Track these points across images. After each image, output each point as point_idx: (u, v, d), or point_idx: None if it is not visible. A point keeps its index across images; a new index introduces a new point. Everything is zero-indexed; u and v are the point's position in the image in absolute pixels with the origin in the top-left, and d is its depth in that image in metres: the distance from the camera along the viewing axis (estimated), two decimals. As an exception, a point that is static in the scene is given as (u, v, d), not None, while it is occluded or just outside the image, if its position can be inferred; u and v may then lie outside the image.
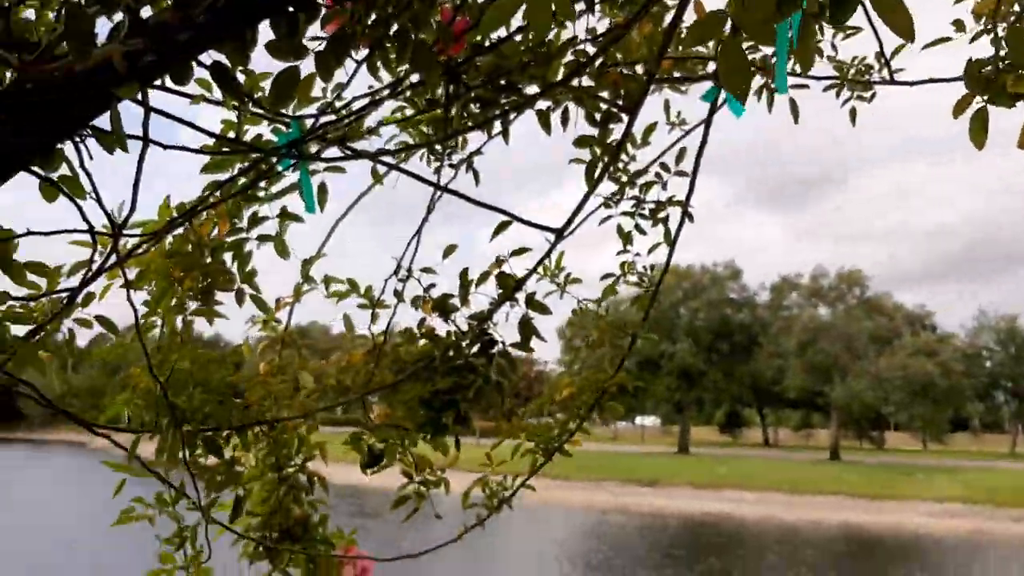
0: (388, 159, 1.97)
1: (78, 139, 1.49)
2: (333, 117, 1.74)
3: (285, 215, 2.11)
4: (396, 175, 2.17)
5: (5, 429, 73.63)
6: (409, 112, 2.00)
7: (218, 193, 1.87)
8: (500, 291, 2.03)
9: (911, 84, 2.42)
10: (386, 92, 1.78)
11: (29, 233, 1.55)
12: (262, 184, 2.03)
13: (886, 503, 40.01)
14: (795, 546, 30.80)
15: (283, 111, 1.66)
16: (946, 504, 38.71)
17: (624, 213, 2.33)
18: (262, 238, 2.11)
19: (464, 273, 2.02)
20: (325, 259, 2.39)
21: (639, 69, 1.97)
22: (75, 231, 1.59)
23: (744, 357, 65.95)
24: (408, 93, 1.94)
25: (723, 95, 2.02)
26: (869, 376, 61.49)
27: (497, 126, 2.10)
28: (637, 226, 2.33)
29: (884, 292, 68.10)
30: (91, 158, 1.46)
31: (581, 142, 2.07)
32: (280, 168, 1.82)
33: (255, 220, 2.10)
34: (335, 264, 2.43)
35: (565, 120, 2.06)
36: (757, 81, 2.38)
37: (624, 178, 2.26)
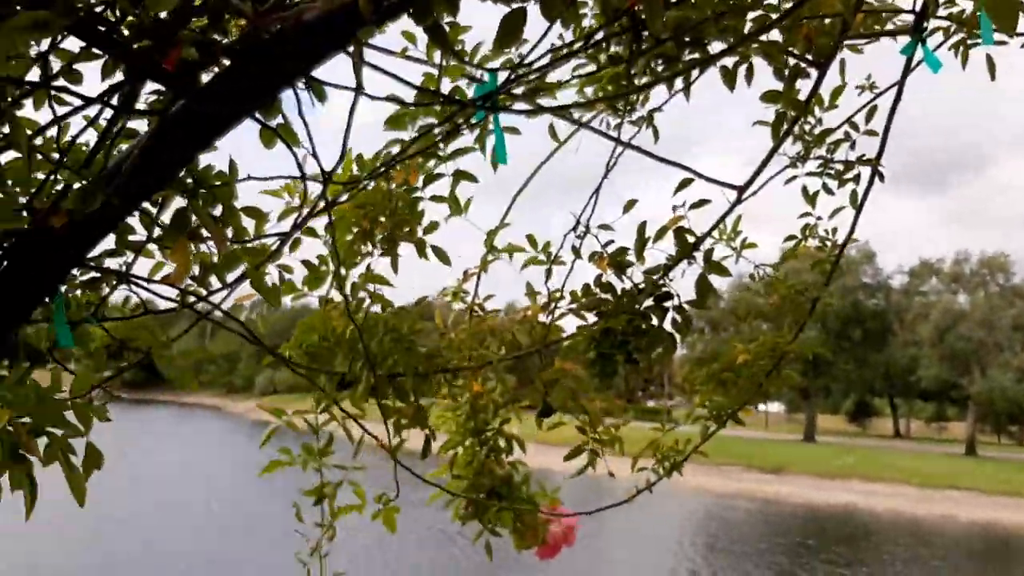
0: (569, 116, 1.99)
1: (296, 88, 1.57)
2: (523, 72, 1.78)
3: (460, 175, 2.17)
4: (575, 141, 2.20)
5: (151, 392, 78.43)
6: (591, 69, 2.02)
7: (405, 148, 1.93)
8: (677, 247, 2.03)
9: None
10: (575, 47, 1.80)
11: (249, 178, 1.65)
12: (439, 145, 2.09)
13: (1025, 501, 37.97)
14: (925, 541, 29.61)
15: (479, 64, 1.70)
16: (1095, 504, 36.54)
17: (810, 174, 2.29)
18: (436, 198, 2.18)
19: (641, 228, 2.03)
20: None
21: (829, 23, 1.92)
22: (290, 177, 1.68)
23: (876, 345, 63.40)
24: (591, 49, 1.95)
25: (919, 52, 1.94)
26: (1012, 368, 58.22)
27: (678, 83, 2.09)
28: (825, 186, 2.28)
29: (1034, 278, 64.07)
30: (312, 105, 1.54)
31: (769, 97, 2.04)
32: (474, 120, 1.87)
33: (430, 178, 2.16)
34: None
35: (750, 76, 2.03)
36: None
37: (810, 138, 2.21)
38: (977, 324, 59.71)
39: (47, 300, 1.52)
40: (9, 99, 1.26)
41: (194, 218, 1.52)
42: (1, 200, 1.39)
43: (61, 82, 1.32)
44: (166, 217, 1.59)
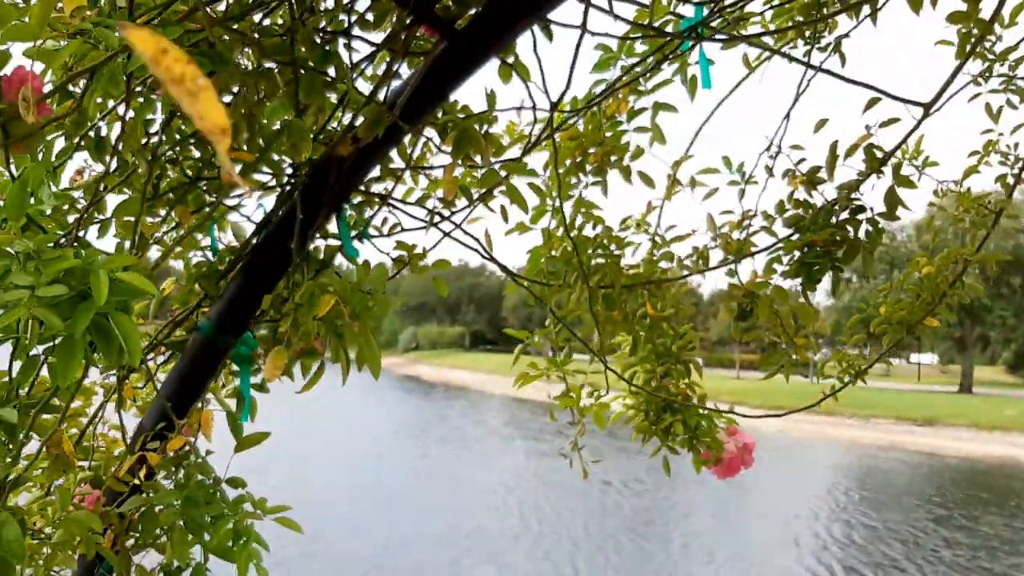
0: (764, 44, 2.16)
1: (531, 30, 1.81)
2: (724, 5, 1.96)
3: (659, 106, 2.37)
4: (761, 70, 2.36)
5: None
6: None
7: (623, 77, 2.16)
8: (867, 163, 2.18)
9: None
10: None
11: (491, 111, 1.91)
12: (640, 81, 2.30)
13: None
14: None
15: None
16: None
17: (992, 91, 2.36)
18: (640, 129, 2.39)
19: (833, 146, 2.18)
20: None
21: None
22: (521, 108, 1.93)
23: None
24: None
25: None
26: None
27: (865, 9, 2.21)
28: (1008, 101, 2.36)
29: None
30: (549, 41, 1.78)
31: (954, 18, 2.14)
32: (681, 50, 2.07)
33: (632, 113, 2.37)
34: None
35: (935, -1, 2.13)
36: None
37: (992, 55, 2.29)
38: None
39: (333, 218, 1.83)
40: (327, 48, 1.55)
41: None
42: (300, 131, 1.69)
43: (356, 31, 1.61)
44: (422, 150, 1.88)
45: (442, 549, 15.74)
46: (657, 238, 2.70)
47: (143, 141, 1.48)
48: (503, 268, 2.18)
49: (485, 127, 1.84)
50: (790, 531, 19.68)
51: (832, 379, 2.67)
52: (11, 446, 1.37)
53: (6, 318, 1.17)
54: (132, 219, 1.57)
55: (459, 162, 1.81)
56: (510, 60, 1.87)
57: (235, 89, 1.44)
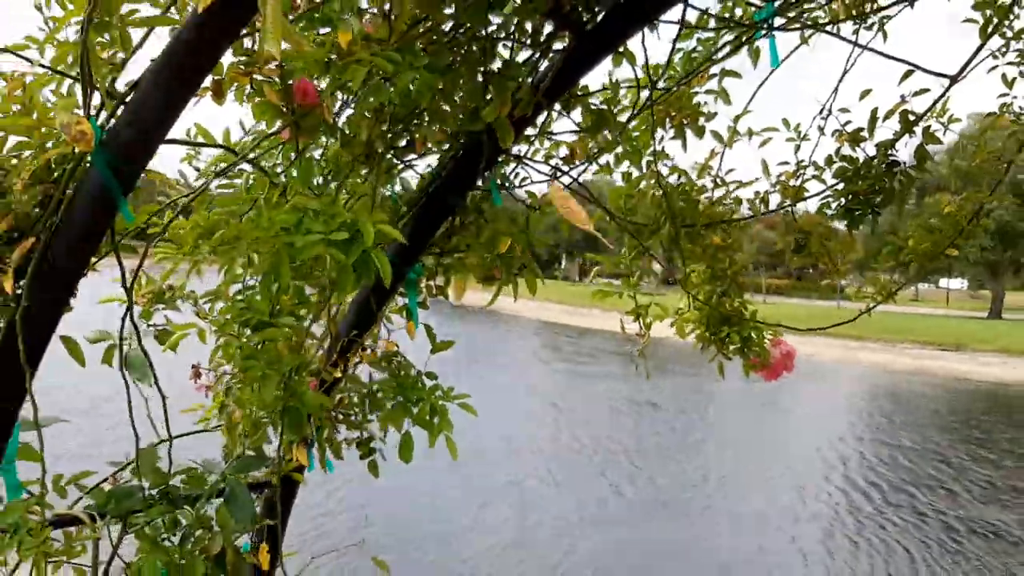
0: (824, 29, 2.65)
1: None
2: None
3: (726, 73, 2.87)
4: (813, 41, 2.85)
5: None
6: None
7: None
8: (901, 125, 2.69)
9: None
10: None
11: (615, 93, 2.44)
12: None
13: None
14: None
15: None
16: None
17: (1009, 63, 2.83)
18: (709, 91, 2.90)
19: (874, 111, 2.69)
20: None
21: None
22: (630, 86, 2.46)
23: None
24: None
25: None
26: None
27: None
28: (1022, 72, 2.82)
29: None
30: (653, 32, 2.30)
31: (979, 5, 2.61)
32: (755, 37, 2.57)
33: (704, 80, 2.89)
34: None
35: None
36: None
37: (1010, 31, 2.75)
38: None
39: (485, 174, 2.39)
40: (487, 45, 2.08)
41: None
42: (460, 107, 2.23)
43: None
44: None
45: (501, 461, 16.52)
46: (719, 181, 3.23)
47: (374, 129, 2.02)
48: (607, 211, 2.73)
49: (606, 105, 2.37)
50: (835, 453, 20.35)
51: (864, 303, 3.20)
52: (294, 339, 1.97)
53: (306, 252, 1.75)
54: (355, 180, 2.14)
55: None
56: (620, 49, 2.39)
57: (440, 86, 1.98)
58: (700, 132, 2.83)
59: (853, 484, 17.26)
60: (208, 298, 2.07)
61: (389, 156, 2.26)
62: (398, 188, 2.52)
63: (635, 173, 2.98)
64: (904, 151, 2.71)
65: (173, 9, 1.55)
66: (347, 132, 2.02)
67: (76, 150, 1.57)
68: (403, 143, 2.18)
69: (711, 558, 12.63)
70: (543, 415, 22.33)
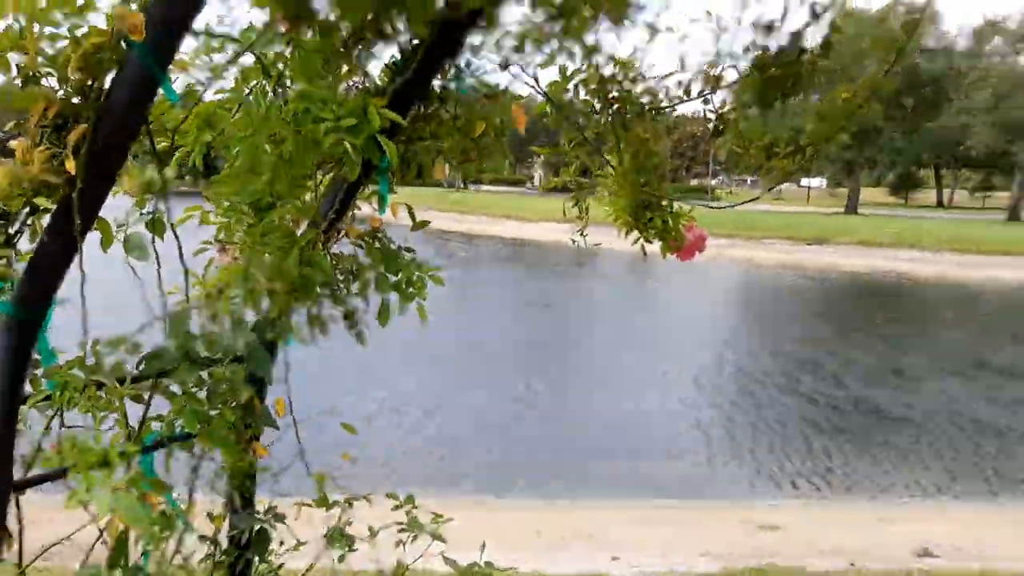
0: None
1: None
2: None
3: None
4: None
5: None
6: None
7: None
8: (810, 16, 3.03)
9: None
10: None
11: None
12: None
13: (1071, 261, 39.00)
14: (966, 303, 31.11)
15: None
16: None
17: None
18: None
19: (786, 2, 3.02)
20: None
21: None
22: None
23: (929, 113, 62.25)
24: None
25: None
26: (1065, 133, 57.60)
27: None
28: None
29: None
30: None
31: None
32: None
33: None
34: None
35: None
36: None
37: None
38: (1032, 89, 58.55)
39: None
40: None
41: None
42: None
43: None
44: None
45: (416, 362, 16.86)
46: (641, 75, 3.51)
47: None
48: (549, 100, 2.97)
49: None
50: (724, 343, 21.60)
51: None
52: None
53: (326, 141, 1.95)
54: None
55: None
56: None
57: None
58: (625, 21, 3.09)
59: (746, 372, 18.47)
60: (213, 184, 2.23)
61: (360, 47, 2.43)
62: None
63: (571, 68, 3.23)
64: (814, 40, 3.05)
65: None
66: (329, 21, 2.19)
67: (114, 38, 1.70)
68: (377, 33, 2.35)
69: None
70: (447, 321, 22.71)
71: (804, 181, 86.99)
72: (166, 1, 1.64)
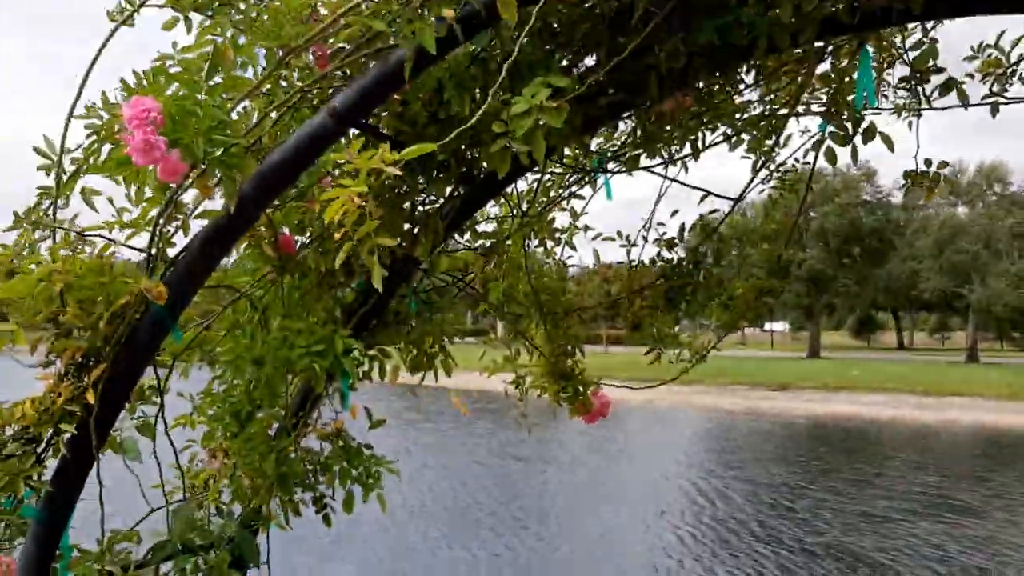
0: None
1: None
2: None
3: (573, 195, 3.77)
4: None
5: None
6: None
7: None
8: (702, 233, 3.65)
9: None
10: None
11: (491, 219, 3.25)
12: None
13: (1025, 403, 39.80)
14: (928, 445, 31.64)
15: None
16: (1092, 402, 38.38)
17: (772, 187, 3.82)
18: (562, 210, 3.79)
19: (681, 228, 3.65)
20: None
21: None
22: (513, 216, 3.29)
23: (876, 260, 64.78)
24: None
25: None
26: (1010, 276, 59.88)
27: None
28: (781, 195, 3.83)
29: (1030, 186, 65.17)
30: None
31: (749, 150, 3.60)
32: (595, 176, 3.46)
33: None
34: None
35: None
36: None
37: (772, 166, 3.76)
38: (975, 235, 61.32)
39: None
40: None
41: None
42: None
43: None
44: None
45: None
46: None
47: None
48: (488, 304, 3.54)
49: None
50: (693, 487, 21.81)
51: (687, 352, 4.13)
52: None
53: (299, 364, 2.45)
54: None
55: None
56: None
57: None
58: (556, 241, 3.70)
59: (714, 516, 18.68)
60: (200, 395, 2.72)
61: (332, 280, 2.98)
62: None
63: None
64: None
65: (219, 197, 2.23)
66: (308, 265, 2.75)
67: (135, 299, 2.23)
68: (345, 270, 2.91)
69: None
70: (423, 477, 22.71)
71: (768, 325, 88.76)
72: (183, 280, 2.18)
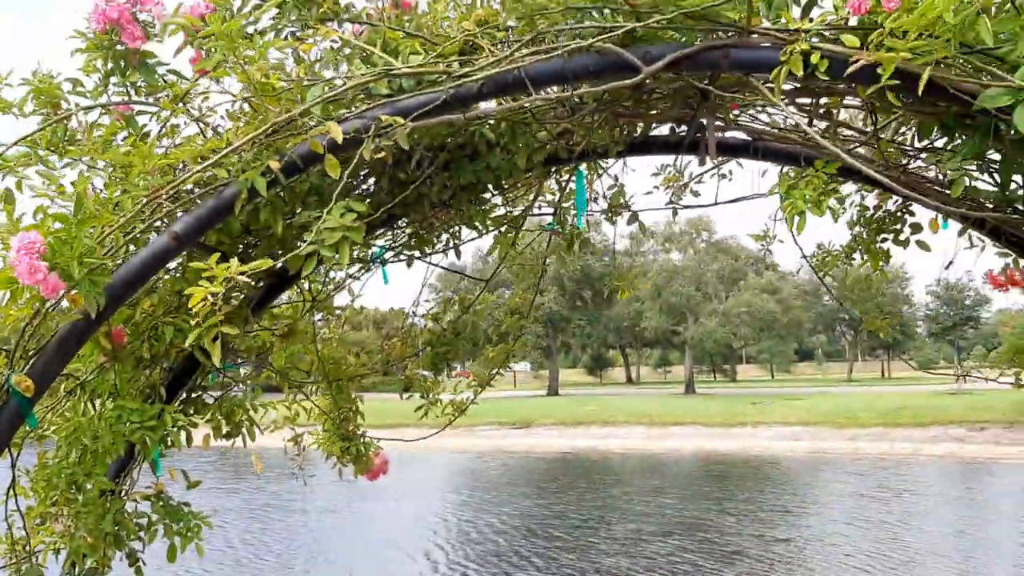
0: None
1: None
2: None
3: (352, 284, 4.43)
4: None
5: None
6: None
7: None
8: (462, 310, 4.43)
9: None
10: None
11: (289, 302, 3.81)
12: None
13: (736, 429, 44.19)
14: (651, 472, 34.61)
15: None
16: (790, 427, 43.38)
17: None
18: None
19: (445, 302, 4.40)
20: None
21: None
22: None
23: (605, 303, 69.78)
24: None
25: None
26: (719, 314, 66.77)
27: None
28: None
29: (730, 236, 73.27)
30: None
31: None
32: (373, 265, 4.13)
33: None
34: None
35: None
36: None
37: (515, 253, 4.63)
38: (688, 278, 67.95)
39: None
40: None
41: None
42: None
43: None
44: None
45: None
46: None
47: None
48: (287, 380, 4.08)
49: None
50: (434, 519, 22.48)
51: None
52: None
53: (134, 436, 2.92)
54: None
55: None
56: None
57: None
58: (337, 318, 4.32)
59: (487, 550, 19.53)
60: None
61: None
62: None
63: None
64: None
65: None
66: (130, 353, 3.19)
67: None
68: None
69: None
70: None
71: (511, 366, 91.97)
72: (43, 375, 2.60)
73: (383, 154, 2.48)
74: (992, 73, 2.33)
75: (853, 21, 2.49)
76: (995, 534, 21.36)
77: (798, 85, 2.85)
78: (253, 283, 3.34)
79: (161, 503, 3.35)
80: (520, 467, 36.52)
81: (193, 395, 3.62)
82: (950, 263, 3.56)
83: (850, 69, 2.35)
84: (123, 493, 3.31)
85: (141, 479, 3.50)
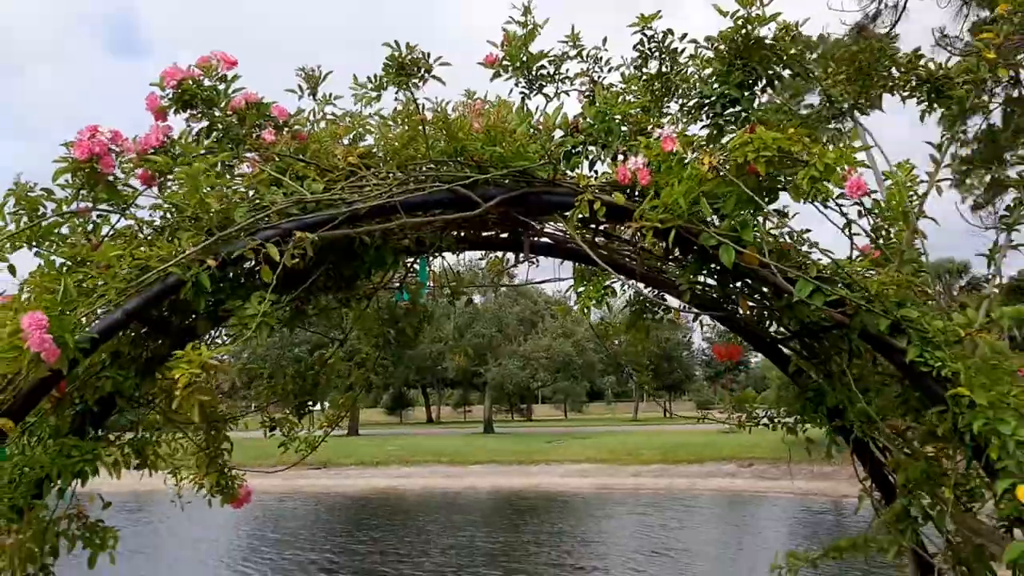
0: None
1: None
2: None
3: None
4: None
5: None
6: None
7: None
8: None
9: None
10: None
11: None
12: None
13: (530, 467, 46.20)
14: (452, 509, 35.74)
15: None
16: (580, 464, 45.85)
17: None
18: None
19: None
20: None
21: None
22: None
23: (408, 343, 70.69)
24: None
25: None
26: (518, 356, 69.35)
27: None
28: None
29: (530, 279, 76.18)
30: None
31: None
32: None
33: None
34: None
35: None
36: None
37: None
38: (490, 320, 70.25)
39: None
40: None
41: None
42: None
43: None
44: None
45: None
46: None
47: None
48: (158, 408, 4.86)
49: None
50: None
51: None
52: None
53: (64, 473, 3.72)
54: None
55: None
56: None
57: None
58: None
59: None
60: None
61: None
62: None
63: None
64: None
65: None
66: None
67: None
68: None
69: None
70: None
71: (318, 405, 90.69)
72: (15, 416, 3.38)
73: (297, 261, 3.48)
74: (706, 224, 3.64)
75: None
76: (764, 558, 24.10)
77: (587, 216, 4.10)
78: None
79: (81, 522, 4.10)
80: (316, 510, 36.63)
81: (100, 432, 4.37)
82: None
83: (626, 234, 3.63)
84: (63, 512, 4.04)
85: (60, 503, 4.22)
